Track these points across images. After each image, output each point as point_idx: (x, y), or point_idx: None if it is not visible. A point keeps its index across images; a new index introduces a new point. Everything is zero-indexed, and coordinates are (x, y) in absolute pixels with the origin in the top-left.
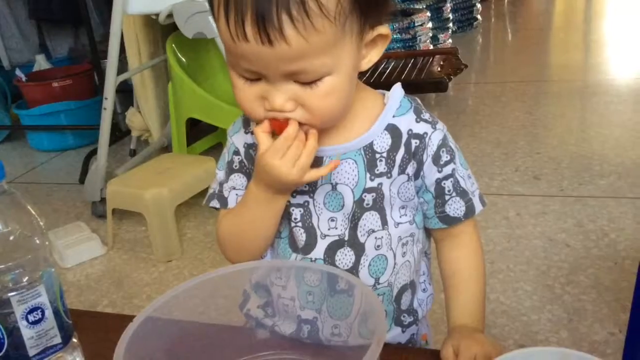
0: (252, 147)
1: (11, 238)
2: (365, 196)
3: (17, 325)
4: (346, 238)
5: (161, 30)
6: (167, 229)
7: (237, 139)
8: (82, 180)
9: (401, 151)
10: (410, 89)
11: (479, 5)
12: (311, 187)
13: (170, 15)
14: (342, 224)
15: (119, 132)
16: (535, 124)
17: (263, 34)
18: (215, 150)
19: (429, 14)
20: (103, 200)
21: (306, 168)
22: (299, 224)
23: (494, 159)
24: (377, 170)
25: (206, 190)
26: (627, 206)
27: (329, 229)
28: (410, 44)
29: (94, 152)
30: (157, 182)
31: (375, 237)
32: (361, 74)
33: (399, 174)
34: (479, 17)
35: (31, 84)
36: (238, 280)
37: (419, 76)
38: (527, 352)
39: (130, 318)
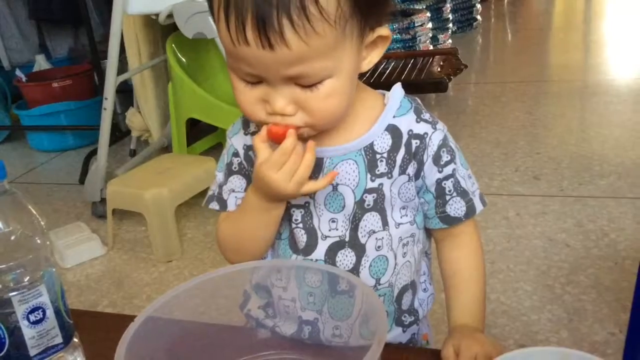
0: (251, 149)
1: (12, 238)
2: (366, 197)
3: (18, 325)
4: (347, 239)
5: (161, 30)
6: (167, 229)
7: (236, 141)
8: (82, 181)
9: (402, 151)
10: (410, 89)
11: (478, 6)
12: None
13: (170, 16)
14: (342, 224)
15: (119, 133)
16: (535, 124)
17: (264, 38)
18: (215, 150)
19: (428, 14)
20: (103, 200)
21: (303, 181)
22: (300, 225)
23: (493, 159)
24: (378, 170)
25: (206, 190)
26: (627, 206)
27: (329, 230)
28: (410, 44)
29: (94, 153)
30: (157, 182)
31: (376, 238)
32: (361, 74)
33: (400, 174)
34: (478, 17)
35: (31, 84)
36: (239, 280)
37: (419, 76)
38: (527, 352)
39: (131, 318)
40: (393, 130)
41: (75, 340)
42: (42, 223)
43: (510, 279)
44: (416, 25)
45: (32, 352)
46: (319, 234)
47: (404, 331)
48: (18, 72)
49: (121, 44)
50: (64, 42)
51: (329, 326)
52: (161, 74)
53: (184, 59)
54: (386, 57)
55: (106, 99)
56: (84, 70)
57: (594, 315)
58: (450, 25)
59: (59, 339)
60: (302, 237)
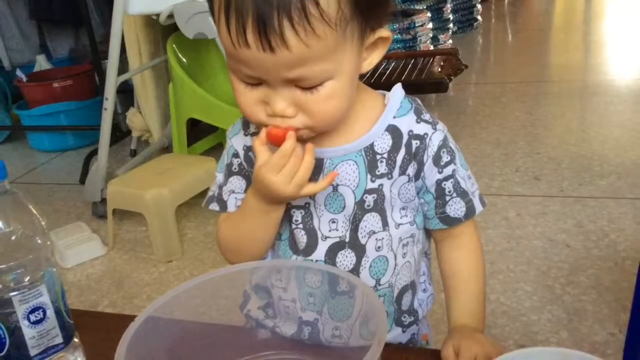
0: (251, 150)
1: (13, 238)
2: (366, 197)
3: (19, 325)
4: (347, 239)
5: (162, 30)
6: (167, 229)
7: (236, 141)
8: (82, 181)
9: (402, 152)
10: (411, 89)
11: (479, 6)
12: None
13: (171, 16)
14: (342, 225)
15: (120, 133)
16: (535, 125)
17: (264, 40)
18: (215, 150)
19: (429, 14)
20: (103, 200)
21: (303, 184)
22: (300, 225)
23: (494, 160)
24: (378, 171)
25: (207, 190)
26: (627, 207)
27: (329, 231)
28: (411, 44)
29: (94, 153)
30: (157, 182)
31: (376, 239)
32: (361, 75)
33: (400, 174)
34: (479, 17)
35: (32, 84)
36: (239, 281)
37: (420, 77)
38: (527, 352)
39: (131, 318)
40: (393, 131)
41: (76, 340)
42: (43, 223)
43: (510, 279)
44: (417, 25)
45: (33, 352)
46: (319, 235)
47: (403, 331)
48: (19, 72)
49: (122, 44)
50: (65, 43)
51: (329, 327)
52: (162, 74)
53: (184, 59)
54: (386, 58)
55: (107, 99)
56: (85, 70)
57: (594, 316)
58: (451, 25)
59: (59, 339)
60: (302, 238)
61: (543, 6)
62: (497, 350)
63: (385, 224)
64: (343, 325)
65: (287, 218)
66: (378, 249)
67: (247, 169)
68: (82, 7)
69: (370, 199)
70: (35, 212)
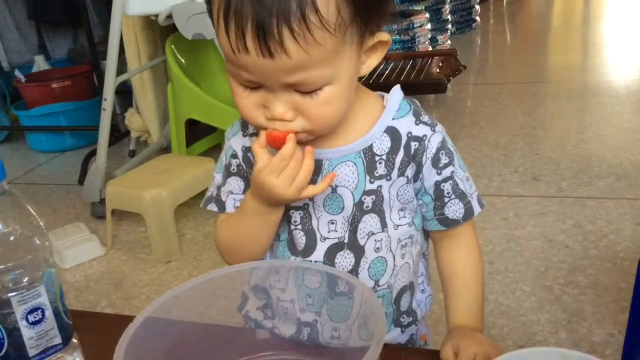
0: (250, 151)
1: (11, 238)
2: (364, 199)
3: (17, 325)
4: (346, 241)
5: (160, 31)
6: (166, 229)
7: (235, 142)
8: (81, 181)
9: (400, 153)
10: (409, 90)
11: (477, 7)
12: None
13: (169, 16)
14: (341, 226)
15: (118, 133)
16: (534, 125)
17: (263, 46)
18: (214, 151)
19: (427, 15)
20: (102, 201)
21: (303, 187)
22: (299, 226)
23: (492, 160)
24: (377, 172)
25: (205, 191)
26: (626, 207)
27: (328, 232)
28: (409, 45)
29: (93, 153)
30: (156, 182)
31: (375, 240)
32: (359, 76)
33: (399, 176)
34: (477, 18)
35: (30, 84)
36: (238, 281)
37: (418, 77)
38: (526, 352)
39: (130, 318)
40: (392, 132)
41: (74, 340)
42: (42, 223)
43: (509, 279)
44: (415, 26)
45: (31, 352)
46: (318, 236)
47: (402, 332)
48: (17, 73)
49: (120, 44)
50: (63, 43)
51: (328, 328)
52: (160, 74)
53: (183, 60)
54: (385, 58)
55: (105, 99)
56: (83, 71)
57: (593, 316)
58: (449, 26)
59: (58, 340)
60: (301, 239)
61: (542, 7)
62: (496, 350)
63: (384, 225)
64: (342, 326)
65: (286, 219)
66: (377, 250)
67: (245, 170)
68: (80, 7)
69: (369, 200)
70: (33, 212)
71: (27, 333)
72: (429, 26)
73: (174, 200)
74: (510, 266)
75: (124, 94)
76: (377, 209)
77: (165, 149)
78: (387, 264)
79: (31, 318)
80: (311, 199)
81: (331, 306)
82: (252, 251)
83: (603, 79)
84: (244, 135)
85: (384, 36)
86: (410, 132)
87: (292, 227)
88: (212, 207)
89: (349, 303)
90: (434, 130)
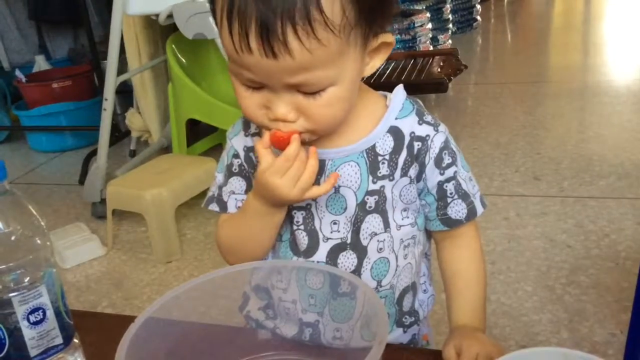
0: (252, 150)
1: (12, 238)
2: (367, 199)
3: (19, 325)
4: (348, 241)
5: (161, 30)
6: (167, 229)
7: (236, 142)
8: (81, 181)
9: (404, 153)
10: (410, 90)
11: (478, 7)
12: None
13: (170, 16)
14: (344, 227)
15: (119, 133)
16: (535, 125)
17: (267, 47)
18: (215, 150)
19: (428, 14)
20: (103, 201)
21: (307, 187)
22: (301, 227)
23: (494, 160)
24: (380, 172)
25: (206, 191)
26: (627, 207)
27: (331, 232)
28: (410, 44)
29: (93, 153)
30: (157, 182)
31: (378, 240)
32: None
33: (401, 176)
34: (478, 18)
35: (31, 84)
36: (239, 281)
37: (419, 77)
38: (528, 352)
39: (131, 318)
40: (395, 132)
41: (76, 341)
42: (43, 223)
43: (511, 279)
44: (416, 25)
45: (32, 352)
46: (321, 236)
47: (404, 332)
48: (18, 73)
49: (121, 44)
50: (64, 43)
51: (330, 328)
52: (161, 74)
53: (183, 60)
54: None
55: (106, 99)
56: (84, 70)
57: (595, 316)
58: (450, 25)
59: (59, 340)
60: (303, 239)
61: (542, 7)
62: (498, 350)
63: (386, 225)
64: (344, 327)
65: (289, 219)
66: (379, 250)
67: (247, 170)
68: (81, 7)
69: (371, 201)
70: (34, 212)
71: (28, 333)
72: (429, 26)
73: (175, 200)
74: (511, 266)
75: (125, 93)
76: (380, 209)
77: (166, 149)
78: (390, 265)
79: (32, 318)
80: (314, 199)
81: (333, 307)
82: (254, 251)
83: (604, 78)
84: (246, 135)
85: (388, 37)
86: (413, 132)
87: (295, 227)
88: (214, 207)
89: (351, 303)
90: (437, 130)
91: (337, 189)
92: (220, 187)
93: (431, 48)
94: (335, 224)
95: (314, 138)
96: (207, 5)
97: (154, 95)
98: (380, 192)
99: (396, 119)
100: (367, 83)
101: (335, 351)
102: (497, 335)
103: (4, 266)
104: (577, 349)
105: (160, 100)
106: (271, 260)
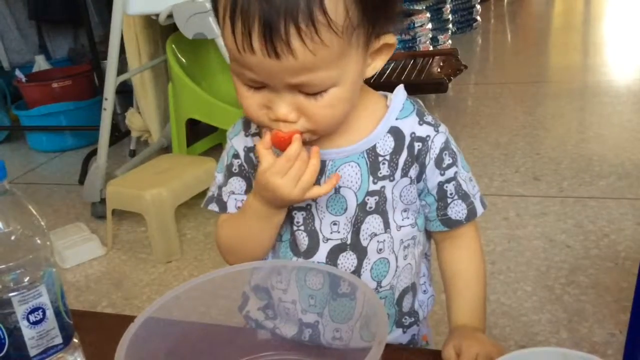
0: (252, 151)
1: (12, 238)
2: (368, 199)
3: (18, 325)
4: (348, 242)
5: (161, 30)
6: (166, 229)
7: (236, 142)
8: (81, 181)
9: (404, 154)
10: (410, 90)
11: (478, 7)
12: None
13: (170, 16)
14: (344, 227)
15: (119, 133)
16: (535, 125)
17: (270, 47)
18: (215, 150)
19: (428, 15)
20: (103, 200)
21: (308, 187)
22: (302, 227)
23: (493, 160)
24: (380, 173)
25: (206, 191)
26: (627, 207)
27: (331, 233)
28: (410, 44)
29: (93, 153)
30: (157, 182)
31: (378, 241)
32: None
33: (402, 177)
34: (478, 18)
35: (31, 84)
36: (239, 281)
37: (419, 77)
38: (528, 352)
39: (131, 318)
40: (396, 133)
41: (75, 340)
42: (43, 223)
43: (511, 279)
44: (416, 25)
45: (32, 352)
46: (321, 237)
47: (404, 332)
48: (18, 73)
49: (121, 44)
50: (64, 43)
51: (330, 329)
52: (161, 74)
53: (183, 60)
54: None
55: (106, 99)
56: (84, 70)
57: (594, 316)
58: (450, 26)
59: (58, 340)
60: (303, 240)
61: (542, 7)
62: (497, 350)
63: (387, 226)
64: (344, 327)
65: (289, 220)
66: (379, 251)
67: (247, 170)
68: (81, 7)
69: (372, 201)
70: (34, 212)
71: (28, 333)
72: (429, 26)
73: (175, 200)
74: (511, 266)
75: (125, 93)
76: (381, 209)
77: (166, 149)
78: (390, 265)
79: (32, 318)
80: (314, 199)
81: (333, 307)
82: (254, 252)
83: (604, 78)
84: (246, 135)
85: (390, 39)
86: (413, 133)
87: (295, 227)
88: (214, 207)
89: (351, 304)
90: (437, 131)
91: (337, 190)
92: (220, 187)
93: (431, 48)
94: (335, 224)
95: (314, 138)
96: (207, 5)
97: (154, 95)
98: (380, 193)
99: (397, 119)
100: (367, 83)
101: (335, 351)
102: (497, 336)
103: (3, 266)
104: (576, 349)
105: (160, 100)
106: (271, 260)
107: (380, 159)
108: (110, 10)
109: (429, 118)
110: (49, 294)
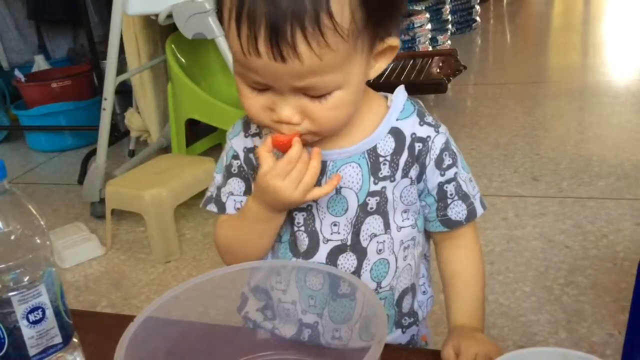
0: (252, 152)
1: (12, 238)
2: (369, 200)
3: (18, 324)
4: (348, 243)
5: (160, 30)
6: (166, 229)
7: (236, 143)
8: (80, 181)
9: (405, 155)
10: (410, 90)
11: (477, 7)
12: None
13: (169, 16)
14: (344, 228)
15: (118, 133)
16: (534, 126)
17: (276, 50)
18: (214, 150)
19: (428, 15)
20: (102, 200)
21: (309, 189)
22: (302, 228)
23: (493, 160)
24: (381, 173)
25: (205, 191)
26: (626, 207)
27: (331, 234)
28: (410, 45)
29: (92, 153)
30: (156, 182)
31: (378, 241)
32: None
33: (402, 177)
34: (477, 18)
35: (30, 84)
36: (238, 281)
37: (418, 77)
38: (526, 353)
39: (130, 318)
40: (396, 133)
41: (75, 340)
42: (42, 223)
43: (509, 280)
44: (415, 26)
45: (32, 352)
46: (321, 238)
47: (403, 332)
48: (17, 73)
49: (120, 44)
50: (63, 43)
51: (329, 329)
52: (160, 74)
53: (183, 60)
54: None
55: (105, 99)
56: (83, 70)
57: (593, 316)
58: (450, 26)
59: (58, 339)
60: (303, 241)
61: (542, 7)
62: (496, 350)
63: (387, 226)
64: (343, 328)
65: (289, 220)
66: (379, 251)
67: (246, 171)
68: (80, 7)
69: (373, 202)
70: (34, 211)
71: (28, 332)
72: (429, 26)
73: (174, 200)
74: (510, 266)
75: (124, 93)
76: (381, 210)
77: (165, 149)
78: (390, 266)
79: (32, 317)
80: (315, 200)
81: (333, 308)
82: (253, 253)
83: (603, 79)
84: (246, 136)
85: (393, 41)
86: (414, 133)
87: (295, 228)
88: (212, 207)
89: (351, 305)
90: (437, 132)
91: (338, 190)
92: (218, 188)
93: (430, 48)
94: (335, 225)
95: (316, 139)
96: (207, 5)
97: (154, 95)
98: (381, 193)
99: (397, 120)
100: (367, 83)
101: (334, 351)
102: (496, 336)
103: (3, 265)
104: (575, 349)
105: (159, 100)
106: (270, 260)
107: (381, 159)
108: (110, 10)
109: (429, 119)
110: (48, 293)
